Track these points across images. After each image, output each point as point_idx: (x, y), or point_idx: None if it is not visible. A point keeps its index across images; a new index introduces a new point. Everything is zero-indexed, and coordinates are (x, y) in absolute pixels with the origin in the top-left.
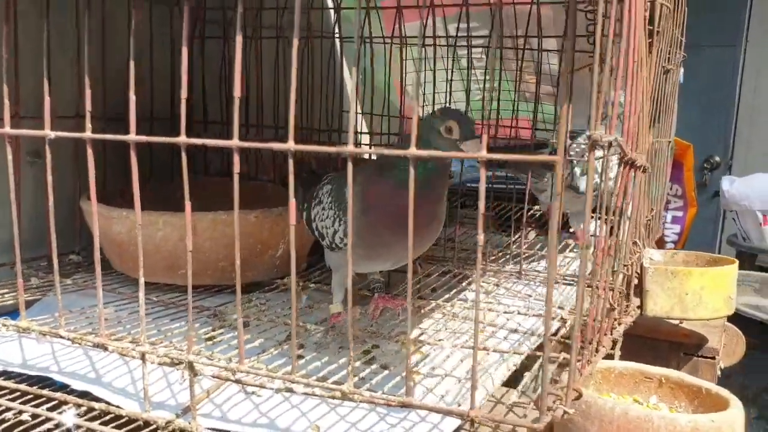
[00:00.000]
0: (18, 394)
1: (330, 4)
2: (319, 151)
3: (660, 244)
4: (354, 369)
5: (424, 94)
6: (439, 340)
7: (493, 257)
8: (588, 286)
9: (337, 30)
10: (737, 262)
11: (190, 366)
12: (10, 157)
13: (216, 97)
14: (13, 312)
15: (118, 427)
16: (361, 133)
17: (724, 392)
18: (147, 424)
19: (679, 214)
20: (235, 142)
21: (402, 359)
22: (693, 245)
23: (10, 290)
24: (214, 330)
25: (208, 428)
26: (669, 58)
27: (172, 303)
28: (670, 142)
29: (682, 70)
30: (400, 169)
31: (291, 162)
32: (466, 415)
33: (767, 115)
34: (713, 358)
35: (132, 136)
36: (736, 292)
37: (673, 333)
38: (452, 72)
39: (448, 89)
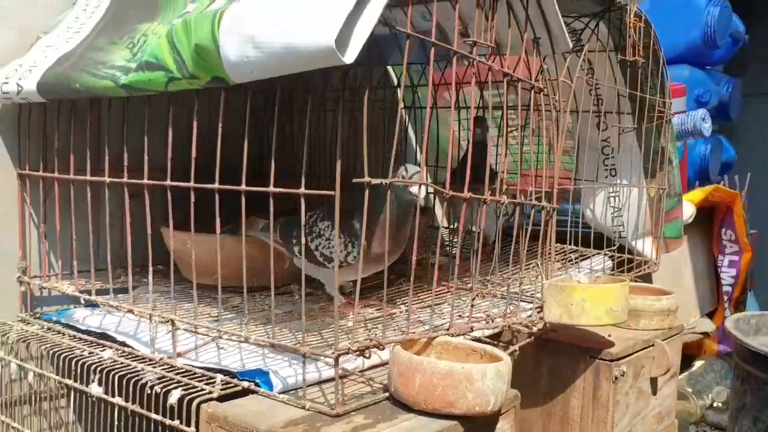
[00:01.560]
0: (87, 341)
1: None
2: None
3: (719, 288)
4: (257, 328)
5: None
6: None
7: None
8: None
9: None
10: (626, 281)
11: (173, 322)
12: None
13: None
14: None
15: (132, 360)
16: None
17: (506, 358)
18: (151, 360)
19: (735, 258)
20: (243, 187)
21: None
22: None
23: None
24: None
25: (184, 363)
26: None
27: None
28: (664, 189)
29: (706, 124)
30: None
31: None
32: (300, 351)
33: None
34: (611, 360)
35: (216, 185)
36: (623, 305)
37: (587, 340)
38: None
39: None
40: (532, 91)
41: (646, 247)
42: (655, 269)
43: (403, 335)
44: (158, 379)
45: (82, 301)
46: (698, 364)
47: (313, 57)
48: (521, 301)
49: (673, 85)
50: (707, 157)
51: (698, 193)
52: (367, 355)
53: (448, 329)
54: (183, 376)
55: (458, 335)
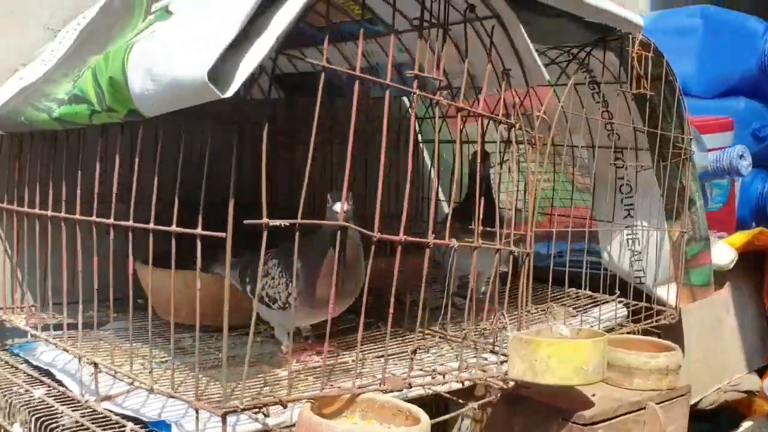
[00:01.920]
0: (32, 378)
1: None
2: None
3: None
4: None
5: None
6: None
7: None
8: None
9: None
10: (604, 336)
11: (95, 364)
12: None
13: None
14: None
15: (59, 401)
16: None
17: (425, 422)
18: (78, 402)
19: None
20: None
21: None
22: None
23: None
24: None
25: (106, 408)
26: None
27: (157, 332)
28: (686, 232)
29: (744, 161)
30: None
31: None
32: (192, 403)
33: None
34: (584, 425)
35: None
36: (596, 363)
37: (562, 399)
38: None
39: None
40: (501, 126)
41: (662, 293)
42: (673, 320)
43: (321, 391)
44: (75, 423)
45: (30, 336)
46: (746, 425)
47: (193, 90)
48: (491, 352)
49: (719, 118)
50: (765, 195)
51: (741, 237)
52: (265, 413)
53: (380, 384)
54: (96, 423)
55: (391, 391)
